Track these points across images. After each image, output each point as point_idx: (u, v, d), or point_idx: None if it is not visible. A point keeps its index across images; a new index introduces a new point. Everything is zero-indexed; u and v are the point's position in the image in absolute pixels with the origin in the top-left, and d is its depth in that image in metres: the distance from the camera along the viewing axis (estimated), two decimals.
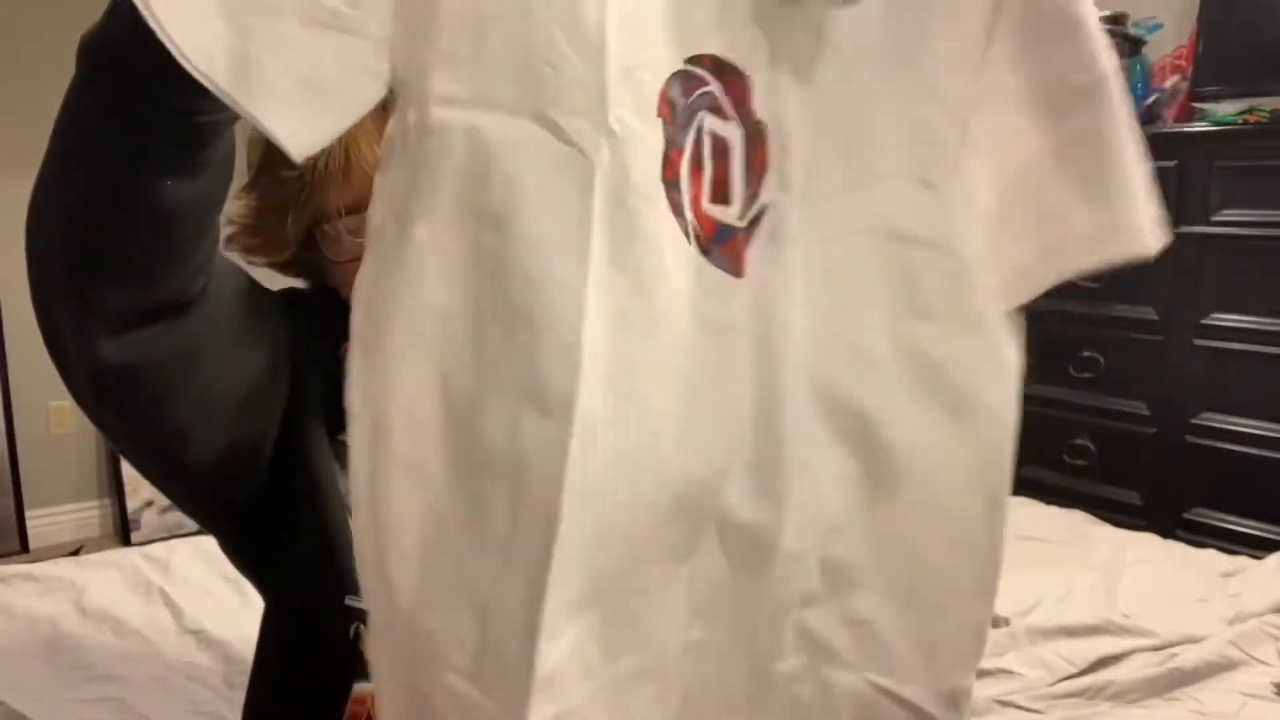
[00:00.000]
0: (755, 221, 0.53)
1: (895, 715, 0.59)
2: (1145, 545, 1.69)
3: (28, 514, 2.80)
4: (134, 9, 0.40)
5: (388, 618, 0.50)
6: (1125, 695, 1.19)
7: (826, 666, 0.58)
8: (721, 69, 0.51)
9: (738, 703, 0.57)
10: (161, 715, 1.19)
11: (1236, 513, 2.22)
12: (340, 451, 0.76)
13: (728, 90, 0.52)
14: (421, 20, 0.46)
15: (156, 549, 1.64)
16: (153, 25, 0.40)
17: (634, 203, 0.48)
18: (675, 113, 0.50)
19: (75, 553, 2.29)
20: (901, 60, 0.54)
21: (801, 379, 0.54)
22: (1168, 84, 2.46)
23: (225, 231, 0.73)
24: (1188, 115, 2.36)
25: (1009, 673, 1.26)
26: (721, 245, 0.52)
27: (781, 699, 0.58)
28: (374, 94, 0.46)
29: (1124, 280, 2.33)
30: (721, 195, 0.52)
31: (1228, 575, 1.53)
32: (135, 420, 0.67)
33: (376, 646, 0.51)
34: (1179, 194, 2.21)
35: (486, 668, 0.49)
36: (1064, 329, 2.42)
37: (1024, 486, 2.21)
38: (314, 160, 0.66)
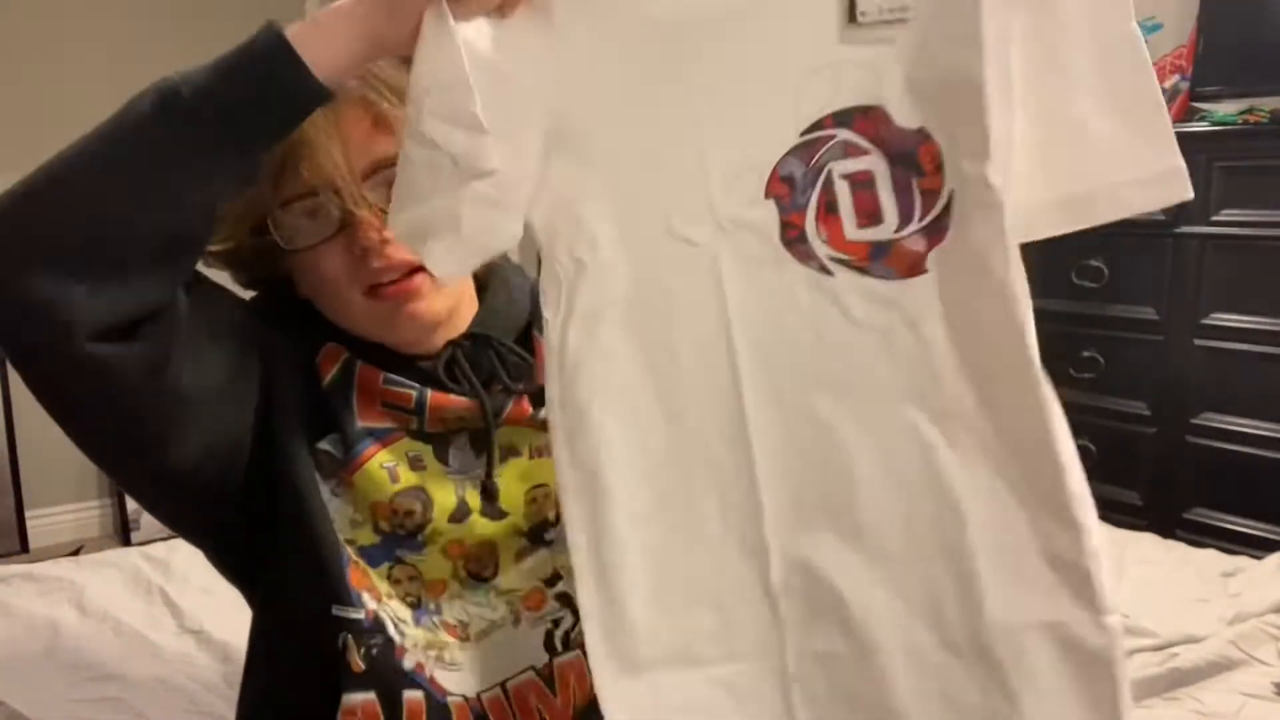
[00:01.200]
0: (946, 211, 0.62)
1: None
2: (1145, 545, 1.69)
3: (28, 514, 2.81)
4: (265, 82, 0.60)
5: (624, 632, 0.63)
6: None
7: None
8: (848, 116, 0.62)
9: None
10: (161, 715, 1.19)
11: (1236, 513, 2.22)
12: (320, 461, 0.77)
13: (861, 129, 0.62)
14: (574, 193, 0.63)
15: (156, 549, 1.64)
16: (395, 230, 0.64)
17: (755, 270, 0.63)
18: (793, 184, 0.63)
19: (75, 553, 2.29)
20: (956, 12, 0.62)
21: (1011, 330, 0.63)
22: (1168, 84, 2.46)
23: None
24: (1188, 115, 2.36)
25: None
26: (883, 258, 0.63)
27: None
28: (503, 245, 0.64)
29: (1124, 280, 2.33)
30: (871, 218, 0.63)
31: (1228, 575, 1.53)
32: (112, 421, 0.67)
33: (600, 645, 0.63)
34: None
35: (739, 639, 0.63)
36: (1064, 329, 2.42)
37: None
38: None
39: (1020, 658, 0.60)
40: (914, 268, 0.63)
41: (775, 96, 0.62)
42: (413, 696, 0.74)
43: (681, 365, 0.64)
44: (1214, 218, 2.19)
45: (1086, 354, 2.39)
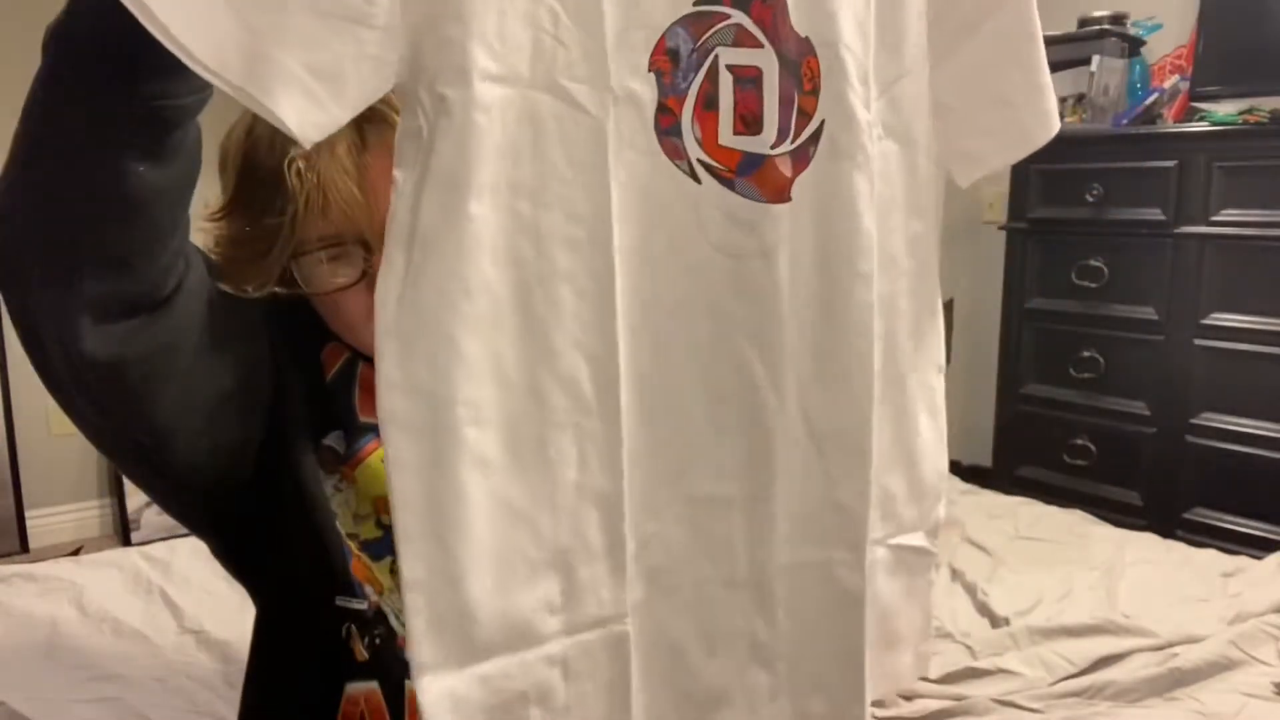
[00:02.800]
0: (814, 139, 0.57)
1: (910, 562, 0.70)
2: (1145, 545, 1.69)
3: (28, 514, 2.80)
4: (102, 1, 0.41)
5: (456, 608, 0.51)
6: (1125, 695, 1.19)
7: (873, 548, 0.67)
8: None
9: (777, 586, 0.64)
10: (161, 715, 1.19)
11: (1236, 513, 2.22)
12: (323, 456, 0.77)
13: (758, 16, 0.54)
14: (446, 4, 0.47)
15: (156, 549, 1.64)
16: (155, 31, 0.41)
17: (631, 157, 0.53)
18: (677, 61, 0.53)
19: (75, 553, 2.29)
20: None
21: (865, 283, 0.60)
22: (1168, 84, 2.46)
23: (212, 258, 0.73)
24: (1188, 115, 2.36)
25: (1009, 672, 1.26)
26: (749, 175, 0.55)
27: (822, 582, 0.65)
28: (380, 84, 0.47)
29: (1124, 280, 2.33)
30: (749, 125, 0.55)
31: (1228, 575, 1.53)
32: (119, 417, 0.67)
33: (427, 639, 0.50)
34: (1179, 194, 2.22)
35: (580, 606, 0.55)
36: (1064, 329, 2.42)
37: (1024, 486, 2.22)
38: (294, 204, 0.68)
39: (790, 590, 0.63)
40: (780, 193, 0.57)
41: None
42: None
43: (553, 263, 0.51)
44: (1214, 218, 2.19)
45: (1086, 354, 2.39)
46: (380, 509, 0.78)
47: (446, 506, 0.50)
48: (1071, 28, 2.55)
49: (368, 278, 0.74)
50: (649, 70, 0.53)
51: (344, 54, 0.45)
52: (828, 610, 0.65)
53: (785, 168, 0.56)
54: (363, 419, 0.78)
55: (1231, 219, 2.17)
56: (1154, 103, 2.43)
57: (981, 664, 1.27)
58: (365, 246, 0.72)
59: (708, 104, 0.55)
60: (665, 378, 0.56)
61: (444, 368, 0.49)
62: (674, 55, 0.54)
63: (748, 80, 0.55)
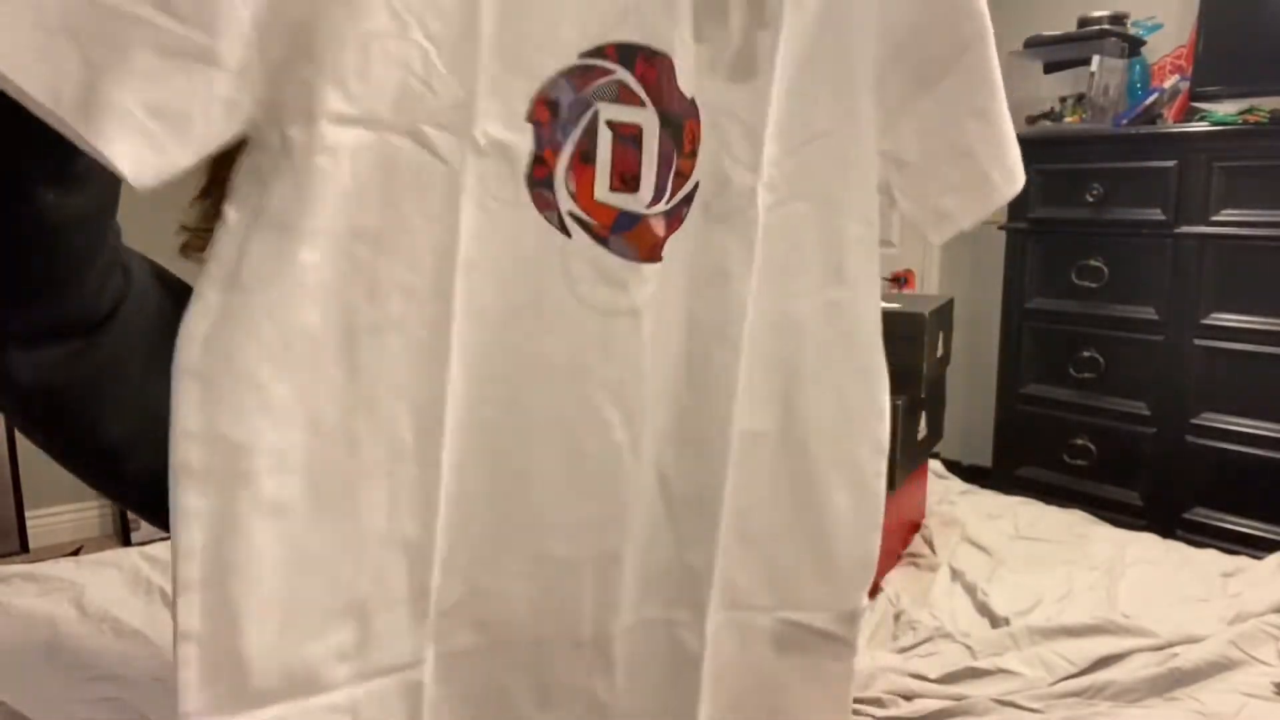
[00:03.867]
0: (687, 200, 0.56)
1: (807, 641, 0.68)
2: (1145, 545, 1.69)
3: (28, 514, 2.80)
4: None
5: (232, 657, 0.48)
6: (1125, 695, 1.19)
7: (743, 613, 0.66)
8: (631, 54, 0.53)
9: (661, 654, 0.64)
10: (161, 715, 1.19)
11: (1236, 513, 2.22)
12: None
13: (642, 75, 0.53)
14: (297, 40, 0.45)
15: (156, 549, 1.64)
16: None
17: (494, 207, 0.51)
18: (557, 112, 0.52)
19: (75, 553, 2.29)
20: (829, 23, 0.59)
21: (731, 346, 0.59)
22: (1168, 84, 2.46)
23: (179, 239, 0.73)
24: (1188, 115, 2.35)
25: (1009, 673, 1.26)
26: (626, 232, 0.54)
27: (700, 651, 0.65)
28: (231, 125, 0.45)
29: (1124, 280, 2.33)
30: (626, 183, 0.54)
31: (1228, 575, 1.53)
32: (66, 441, 0.67)
33: (196, 688, 0.48)
34: (1179, 194, 2.22)
35: (374, 654, 0.52)
36: (1064, 329, 2.42)
37: (1024, 486, 2.22)
38: None
39: (633, 650, 0.62)
40: (652, 252, 0.57)
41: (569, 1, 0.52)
42: None
43: (387, 311, 0.50)
44: (1214, 218, 2.19)
45: (1086, 354, 2.39)
46: None
47: (232, 556, 0.48)
48: (1071, 28, 2.55)
49: None
50: (527, 120, 0.52)
51: (190, 94, 0.43)
52: (666, 670, 0.64)
53: (659, 227, 0.56)
54: None
55: (1231, 219, 2.17)
56: (1154, 103, 2.43)
57: (981, 664, 1.27)
58: None
59: (584, 158, 0.54)
60: (517, 433, 0.55)
61: (248, 414, 0.47)
62: (554, 107, 0.53)
63: (628, 138, 0.55)
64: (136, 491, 0.73)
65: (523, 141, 0.52)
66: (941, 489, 1.92)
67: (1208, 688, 1.18)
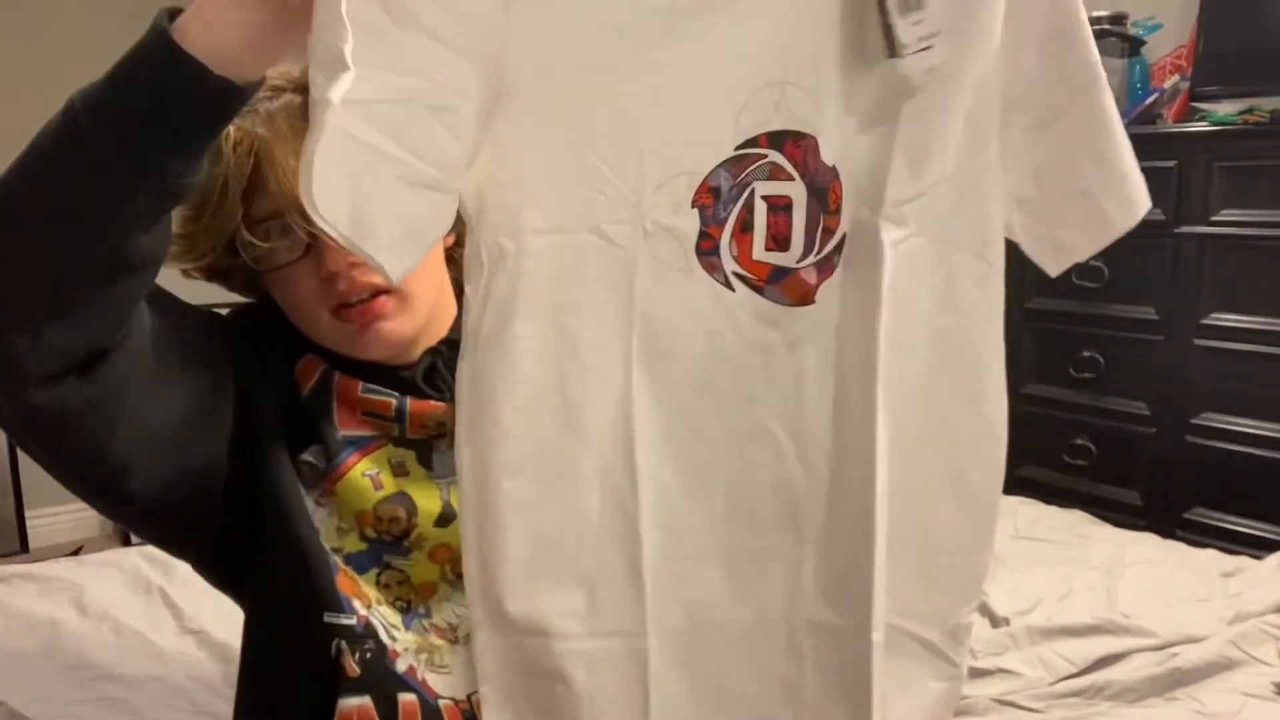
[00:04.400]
0: (837, 249, 0.67)
1: (908, 649, 0.73)
2: (1145, 545, 1.69)
3: (28, 514, 2.80)
4: (146, 81, 0.54)
5: (493, 594, 0.65)
6: (1125, 695, 1.19)
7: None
8: (780, 139, 0.64)
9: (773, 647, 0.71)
10: (161, 715, 1.19)
11: (1236, 513, 2.22)
12: (303, 471, 0.77)
13: (790, 154, 0.65)
14: (506, 174, 0.61)
15: (156, 549, 1.64)
16: (308, 204, 0.52)
17: (669, 275, 0.65)
18: (718, 196, 0.65)
19: (75, 553, 2.29)
20: (949, 73, 0.66)
21: (860, 372, 0.68)
22: (1167, 84, 2.46)
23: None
24: (1187, 115, 2.36)
25: (1009, 672, 1.26)
26: (779, 283, 0.67)
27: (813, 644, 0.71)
28: (446, 228, 0.61)
29: (1124, 280, 2.33)
30: (779, 244, 0.66)
31: (1228, 575, 1.53)
32: (72, 456, 0.67)
33: (476, 604, 0.66)
34: (1178, 194, 2.21)
35: (602, 617, 0.66)
36: (1064, 329, 2.42)
37: (1024, 486, 2.22)
38: (226, 170, 0.72)
39: (816, 645, 0.70)
40: (804, 297, 0.67)
41: (721, 107, 0.64)
42: (407, 699, 0.74)
43: (586, 360, 0.65)
44: (1214, 218, 2.19)
45: (1086, 354, 2.39)
46: (363, 523, 0.78)
47: (489, 529, 0.64)
48: None
49: (313, 251, 0.75)
50: (692, 206, 0.64)
51: (425, 213, 0.58)
52: (844, 675, 0.70)
53: (810, 277, 0.67)
54: (342, 433, 0.78)
55: (1231, 219, 2.17)
56: (1154, 103, 2.43)
57: (981, 664, 1.27)
58: (305, 216, 0.72)
59: (744, 228, 0.66)
60: (700, 445, 0.67)
61: (488, 437, 0.64)
62: (716, 192, 0.65)
63: (780, 208, 0.66)
64: (138, 506, 0.73)
65: (690, 223, 0.65)
66: None
67: (1208, 687, 1.19)
